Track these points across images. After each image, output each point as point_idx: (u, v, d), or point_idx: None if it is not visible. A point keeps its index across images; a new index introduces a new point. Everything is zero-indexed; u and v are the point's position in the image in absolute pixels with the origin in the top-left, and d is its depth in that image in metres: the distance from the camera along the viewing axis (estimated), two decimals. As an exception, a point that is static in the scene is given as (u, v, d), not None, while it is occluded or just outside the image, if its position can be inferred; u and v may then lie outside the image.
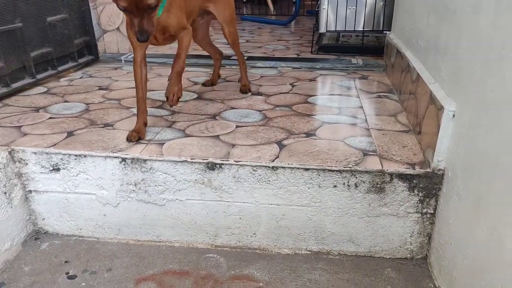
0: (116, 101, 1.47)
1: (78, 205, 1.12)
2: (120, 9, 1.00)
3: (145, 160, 1.05)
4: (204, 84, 1.65)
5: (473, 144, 0.79)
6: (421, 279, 0.98)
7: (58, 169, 1.08)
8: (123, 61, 2.08)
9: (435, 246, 0.98)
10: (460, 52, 0.88)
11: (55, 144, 1.10)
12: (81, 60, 1.92)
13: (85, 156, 1.06)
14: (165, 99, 1.20)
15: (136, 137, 1.14)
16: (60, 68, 1.77)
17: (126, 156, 1.05)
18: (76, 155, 1.06)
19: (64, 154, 1.07)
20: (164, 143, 1.12)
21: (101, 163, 1.06)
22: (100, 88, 1.63)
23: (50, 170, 1.09)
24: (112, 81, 1.74)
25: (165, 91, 1.18)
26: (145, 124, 1.19)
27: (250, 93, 1.55)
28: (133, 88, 1.62)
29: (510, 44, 0.66)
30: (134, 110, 1.37)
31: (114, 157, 1.05)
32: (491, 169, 0.71)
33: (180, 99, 1.18)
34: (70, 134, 1.18)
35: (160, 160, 1.04)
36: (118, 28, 2.19)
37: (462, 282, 0.81)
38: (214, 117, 1.32)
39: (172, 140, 1.14)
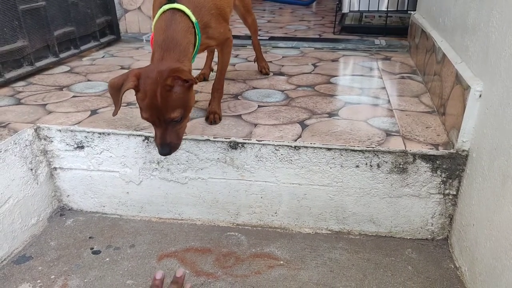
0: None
1: (102, 182, 1.15)
2: (143, 118, 0.91)
3: (168, 139, 1.06)
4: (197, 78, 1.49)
5: (501, 123, 0.77)
6: (441, 260, 0.98)
7: (82, 147, 1.11)
8: (144, 40, 2.09)
9: (457, 227, 0.97)
10: (490, 30, 0.86)
11: (79, 122, 1.13)
12: (103, 40, 1.94)
13: (108, 134, 1.08)
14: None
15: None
16: (82, 48, 1.79)
17: (150, 135, 1.06)
18: (100, 133, 1.08)
19: (88, 132, 1.09)
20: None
21: (124, 141, 1.08)
22: (122, 68, 1.64)
23: (74, 148, 1.11)
24: (134, 60, 1.75)
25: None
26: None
27: (271, 73, 1.54)
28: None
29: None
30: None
31: (137, 135, 1.07)
32: (519, 150, 0.69)
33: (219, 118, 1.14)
34: (93, 112, 1.20)
35: (183, 138, 1.05)
36: (139, 8, 2.20)
37: (484, 262, 0.81)
38: (236, 96, 1.32)
39: (195, 119, 1.15)
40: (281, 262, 0.98)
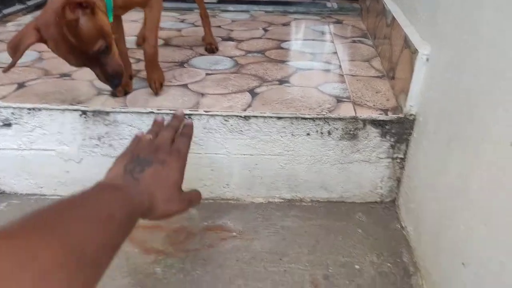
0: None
1: (37, 162, 1.06)
2: (71, 65, 0.85)
3: (107, 113, 0.99)
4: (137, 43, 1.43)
5: (447, 87, 0.77)
6: (389, 221, 1.01)
7: (9, 124, 1.01)
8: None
9: (404, 189, 1.00)
10: (437, -9, 0.85)
11: (4, 97, 1.03)
12: (30, 2, 1.76)
13: (39, 109, 0.99)
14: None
15: (122, 91, 1.04)
16: (5, 12, 1.62)
17: (87, 109, 0.99)
18: (29, 109, 0.99)
19: (15, 108, 0.99)
20: (128, 93, 1.06)
21: (59, 117, 1.00)
22: (59, 36, 1.51)
23: (0, 126, 1.02)
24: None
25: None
26: (131, 77, 1.09)
27: (217, 51, 1.38)
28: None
29: (488, -19, 0.63)
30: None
31: (74, 110, 0.99)
32: (462, 113, 0.70)
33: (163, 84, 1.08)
34: (21, 85, 1.10)
35: (124, 112, 0.99)
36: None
37: (428, 222, 0.83)
38: (182, 64, 1.26)
39: (136, 90, 1.08)
40: (234, 233, 0.97)
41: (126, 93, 1.05)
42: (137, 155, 0.67)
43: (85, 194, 0.50)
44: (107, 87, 1.09)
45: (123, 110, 0.99)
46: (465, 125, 0.69)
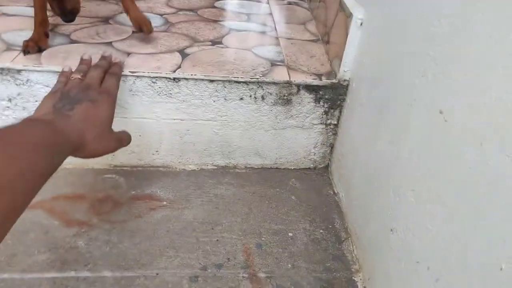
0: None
1: None
2: None
3: (19, 71, 0.88)
4: None
5: (380, 53, 0.77)
6: (322, 187, 1.02)
7: None
8: None
9: (336, 156, 1.01)
10: (373, -47, 0.82)
11: None
12: None
13: None
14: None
15: (35, 48, 0.92)
16: None
17: (-6, 66, 0.87)
18: None
19: None
20: (42, 50, 0.94)
21: (-40, 75, 0.87)
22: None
23: None
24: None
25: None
26: (47, 35, 0.96)
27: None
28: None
29: None
30: (3, 9, 1.13)
31: (-22, 67, 0.87)
32: (394, 79, 0.70)
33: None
34: None
35: (38, 71, 0.88)
36: None
37: (359, 188, 0.85)
38: (106, 20, 1.14)
39: (54, 47, 0.97)
40: (164, 202, 0.93)
41: (40, 50, 0.94)
42: (67, 93, 0.66)
43: (8, 126, 0.49)
44: (17, 42, 0.96)
45: (37, 68, 0.88)
46: (395, 92, 0.69)
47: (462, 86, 0.50)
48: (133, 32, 1.08)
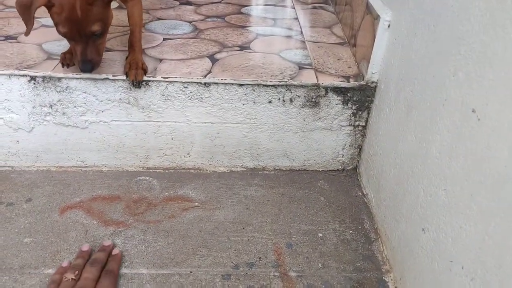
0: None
1: (-16, 131, 0.99)
2: (60, 35, 0.85)
3: (59, 78, 0.93)
4: None
5: (408, 54, 0.77)
6: (351, 188, 1.03)
7: (-48, 91, 0.93)
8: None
9: (365, 157, 1.01)
10: (400, -45, 0.83)
11: None
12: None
13: (-17, 74, 0.91)
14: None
15: (70, 59, 0.95)
16: None
17: (36, 74, 0.92)
18: (-28, 74, 0.91)
19: (-44, 73, 0.91)
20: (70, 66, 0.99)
21: (5, 83, 0.92)
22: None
23: None
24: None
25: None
26: None
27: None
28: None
29: None
30: (43, 20, 1.19)
31: (21, 76, 0.92)
32: (423, 79, 0.70)
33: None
34: (-38, 48, 1.00)
35: (77, 78, 0.93)
36: None
37: (388, 188, 0.85)
38: (137, 29, 1.18)
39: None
40: (196, 203, 0.95)
41: (68, 65, 0.96)
42: None
43: None
44: (57, 52, 1.01)
45: (76, 76, 0.92)
46: (425, 92, 0.69)
47: (495, 84, 0.50)
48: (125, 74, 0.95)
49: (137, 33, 0.99)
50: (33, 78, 0.92)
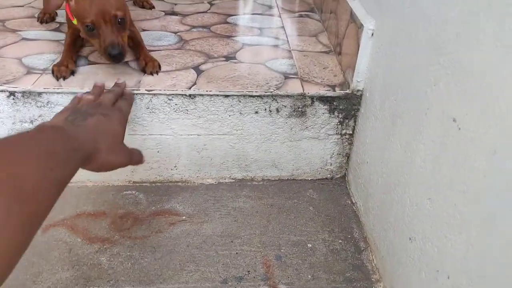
0: None
1: (-34, 149, 0.97)
2: (86, 30, 0.88)
3: (40, 93, 0.91)
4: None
5: (391, 63, 0.77)
6: (340, 197, 1.02)
7: None
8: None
9: (353, 165, 1.01)
10: (381, -36, 0.83)
11: None
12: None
13: (-39, 91, 0.90)
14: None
15: (67, 72, 0.95)
16: None
17: (15, 89, 0.90)
18: (-49, 91, 0.90)
19: None
20: (75, 73, 0.98)
21: (-15, 99, 0.91)
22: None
23: None
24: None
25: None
26: (74, 58, 1.02)
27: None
28: (20, 6, 1.40)
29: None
30: (23, 33, 1.18)
31: (0, 91, 0.91)
32: (406, 88, 0.70)
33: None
34: None
35: (58, 93, 0.91)
36: None
37: (376, 197, 0.85)
38: (122, 41, 1.17)
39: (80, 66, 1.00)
40: (184, 217, 0.94)
41: (72, 73, 0.96)
42: (79, 109, 0.69)
43: (24, 133, 0.49)
44: (38, 66, 1.00)
45: (57, 90, 0.91)
46: (408, 101, 0.69)
47: (474, 94, 0.50)
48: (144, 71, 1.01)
49: (137, 33, 1.05)
50: (12, 93, 0.91)
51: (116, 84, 0.87)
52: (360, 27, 0.89)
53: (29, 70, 0.98)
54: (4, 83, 0.91)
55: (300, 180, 1.07)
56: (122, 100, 0.80)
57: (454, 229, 0.54)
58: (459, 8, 0.53)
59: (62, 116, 0.68)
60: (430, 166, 0.61)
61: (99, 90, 0.82)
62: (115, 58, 0.89)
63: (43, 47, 1.11)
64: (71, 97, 0.91)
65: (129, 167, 1.02)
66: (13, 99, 0.91)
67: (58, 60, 1.01)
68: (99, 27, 0.88)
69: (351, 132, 1.00)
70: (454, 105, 0.55)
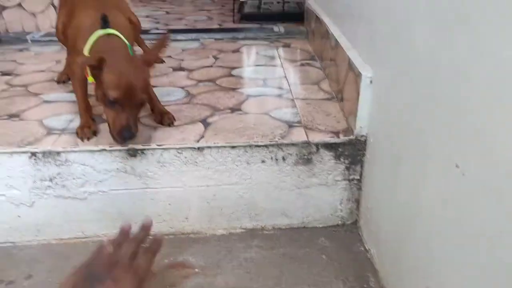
0: (22, 87, 1.32)
1: (-15, 209, 1.00)
2: (107, 102, 0.88)
3: (58, 153, 0.95)
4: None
5: (390, 109, 0.80)
6: (352, 244, 1.01)
7: (-46, 172, 0.95)
8: (29, 41, 1.87)
9: (363, 211, 1.01)
10: (374, 15, 0.88)
11: None
12: None
13: (-15, 154, 0.94)
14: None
15: (89, 132, 1.00)
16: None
17: (36, 150, 0.95)
18: (-26, 155, 0.94)
19: (-41, 155, 0.94)
20: (97, 132, 1.02)
21: (7, 161, 0.95)
22: (3, 74, 1.45)
23: None
24: (17, 64, 1.56)
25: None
26: (93, 119, 1.06)
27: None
28: (43, 71, 1.47)
29: (417, 4, 0.66)
30: (44, 97, 1.24)
31: (22, 153, 0.95)
32: (407, 133, 0.72)
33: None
34: (-34, 130, 1.04)
35: (75, 151, 0.95)
36: (19, 5, 1.96)
37: (389, 243, 0.84)
38: (132, 98, 1.23)
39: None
40: (196, 270, 0.94)
41: (95, 133, 1.01)
42: (90, 271, 0.66)
43: None
44: (57, 126, 1.05)
45: (74, 149, 0.95)
46: (411, 146, 0.71)
47: (474, 138, 0.51)
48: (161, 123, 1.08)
49: (150, 89, 1.08)
50: (33, 154, 0.95)
51: (141, 227, 0.78)
52: (358, 75, 0.93)
53: (49, 131, 1.03)
54: (27, 145, 0.96)
55: (311, 227, 1.07)
56: (145, 253, 0.72)
57: (470, 279, 0.54)
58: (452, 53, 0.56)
59: (71, 283, 0.67)
60: (438, 211, 0.61)
61: (123, 237, 0.75)
62: (125, 140, 0.91)
63: (62, 109, 1.16)
64: (86, 155, 0.95)
65: (141, 219, 1.03)
66: (35, 159, 0.95)
67: (76, 119, 1.07)
68: (122, 105, 0.88)
69: (358, 178, 1.01)
70: (456, 151, 0.55)
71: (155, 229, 1.04)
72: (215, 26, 2.11)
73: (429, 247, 0.65)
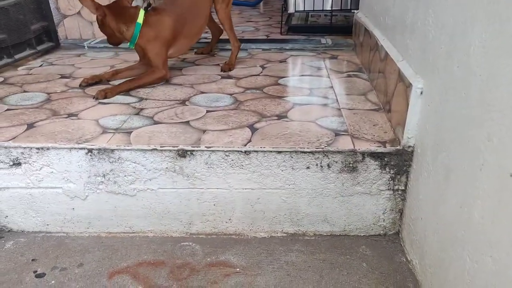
0: (80, 89, 1.41)
1: (44, 200, 1.07)
2: None
3: (112, 150, 1.01)
4: (196, 52, 1.87)
5: (441, 120, 0.79)
6: (394, 254, 1.00)
7: (19, 164, 1.03)
8: (86, 47, 2.00)
9: (407, 221, 1.00)
10: (427, 29, 0.88)
11: (14, 138, 1.05)
12: (40, 47, 1.83)
13: (48, 148, 1.01)
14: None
15: (102, 94, 1.33)
16: (17, 56, 1.68)
17: (93, 147, 1.01)
18: (38, 148, 1.01)
19: (24, 148, 1.02)
20: (132, 131, 1.08)
21: (65, 156, 1.02)
22: (62, 77, 1.56)
23: (10, 165, 1.03)
24: (75, 68, 1.66)
25: None
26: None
27: (228, 71, 1.60)
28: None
29: (472, 17, 0.67)
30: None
31: (80, 149, 1.01)
32: (459, 144, 0.71)
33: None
34: (30, 126, 1.12)
35: (128, 150, 1.01)
36: (79, 13, 2.10)
37: (432, 255, 0.83)
38: (183, 102, 1.28)
39: (140, 128, 1.11)
40: (238, 269, 0.97)
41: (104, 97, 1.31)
42: None
43: None
44: (111, 126, 1.11)
45: (127, 147, 1.01)
46: (462, 156, 0.70)
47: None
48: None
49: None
50: (90, 150, 1.01)
51: None
52: (408, 86, 0.93)
53: (104, 130, 1.10)
54: (84, 142, 1.02)
55: (353, 235, 1.07)
56: None
57: (517, 286, 0.53)
58: (509, 68, 0.56)
59: None
60: (489, 222, 0.61)
61: None
62: None
63: (116, 110, 1.23)
64: (138, 153, 1.00)
65: (187, 219, 1.07)
66: (90, 155, 1.01)
67: (129, 120, 1.15)
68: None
69: (403, 188, 1.00)
70: (511, 161, 0.55)
71: (199, 229, 1.08)
72: (263, 37, 2.15)
73: (475, 259, 0.64)
